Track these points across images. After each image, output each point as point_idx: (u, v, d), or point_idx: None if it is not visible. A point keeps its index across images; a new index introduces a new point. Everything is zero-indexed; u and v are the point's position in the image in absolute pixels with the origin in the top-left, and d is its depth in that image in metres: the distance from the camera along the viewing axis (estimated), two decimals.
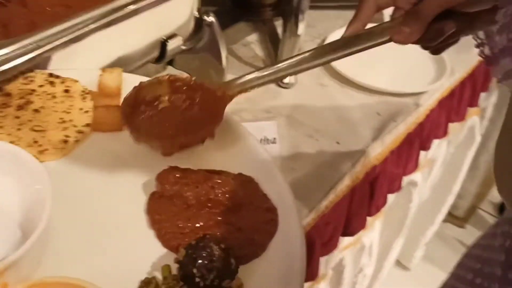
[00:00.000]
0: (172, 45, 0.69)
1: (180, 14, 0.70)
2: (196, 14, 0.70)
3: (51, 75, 0.62)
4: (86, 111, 0.60)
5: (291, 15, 0.83)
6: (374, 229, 1.00)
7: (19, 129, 0.57)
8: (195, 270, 0.46)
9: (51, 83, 0.62)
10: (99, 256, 0.49)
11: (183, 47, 0.71)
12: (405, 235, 1.31)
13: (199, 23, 0.71)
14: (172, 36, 0.69)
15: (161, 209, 0.53)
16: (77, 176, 0.56)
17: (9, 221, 0.47)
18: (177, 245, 0.50)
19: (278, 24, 1.04)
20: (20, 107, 0.59)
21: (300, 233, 0.51)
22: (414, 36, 0.53)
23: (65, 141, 0.57)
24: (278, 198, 0.54)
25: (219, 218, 0.52)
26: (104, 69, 0.63)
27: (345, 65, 0.90)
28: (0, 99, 0.59)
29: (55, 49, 0.60)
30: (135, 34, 0.67)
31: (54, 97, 0.61)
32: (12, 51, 0.57)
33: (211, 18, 0.71)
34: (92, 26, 0.61)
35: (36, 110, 0.59)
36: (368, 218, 0.92)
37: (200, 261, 0.46)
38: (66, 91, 0.61)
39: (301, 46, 0.88)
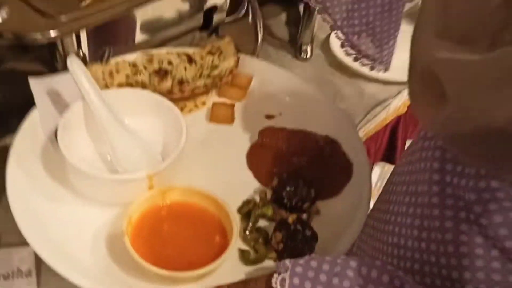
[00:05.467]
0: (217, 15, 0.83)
1: None
2: None
3: None
4: None
5: None
6: None
7: None
8: (284, 193, 0.62)
9: None
10: (215, 178, 0.66)
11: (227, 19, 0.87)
12: None
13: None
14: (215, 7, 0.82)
15: (258, 156, 0.69)
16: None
17: (154, 149, 0.66)
18: (270, 181, 0.64)
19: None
20: None
21: (368, 184, 0.65)
22: None
23: None
24: (355, 155, 0.69)
25: (306, 165, 0.68)
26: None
27: None
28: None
29: None
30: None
31: None
32: None
33: None
34: None
35: None
36: None
37: (288, 187, 0.62)
38: None
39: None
